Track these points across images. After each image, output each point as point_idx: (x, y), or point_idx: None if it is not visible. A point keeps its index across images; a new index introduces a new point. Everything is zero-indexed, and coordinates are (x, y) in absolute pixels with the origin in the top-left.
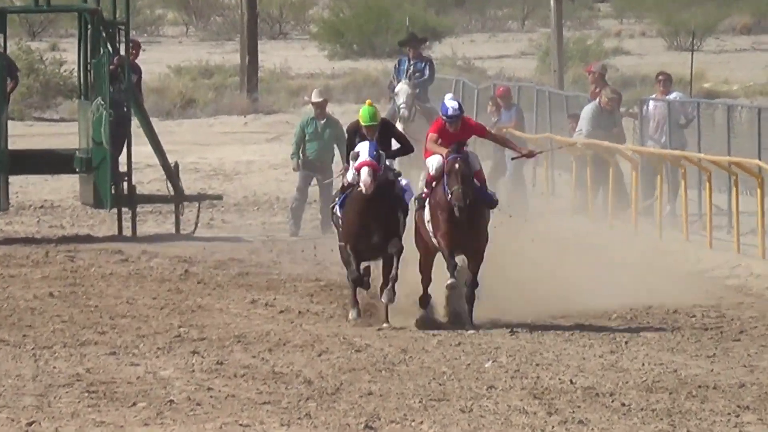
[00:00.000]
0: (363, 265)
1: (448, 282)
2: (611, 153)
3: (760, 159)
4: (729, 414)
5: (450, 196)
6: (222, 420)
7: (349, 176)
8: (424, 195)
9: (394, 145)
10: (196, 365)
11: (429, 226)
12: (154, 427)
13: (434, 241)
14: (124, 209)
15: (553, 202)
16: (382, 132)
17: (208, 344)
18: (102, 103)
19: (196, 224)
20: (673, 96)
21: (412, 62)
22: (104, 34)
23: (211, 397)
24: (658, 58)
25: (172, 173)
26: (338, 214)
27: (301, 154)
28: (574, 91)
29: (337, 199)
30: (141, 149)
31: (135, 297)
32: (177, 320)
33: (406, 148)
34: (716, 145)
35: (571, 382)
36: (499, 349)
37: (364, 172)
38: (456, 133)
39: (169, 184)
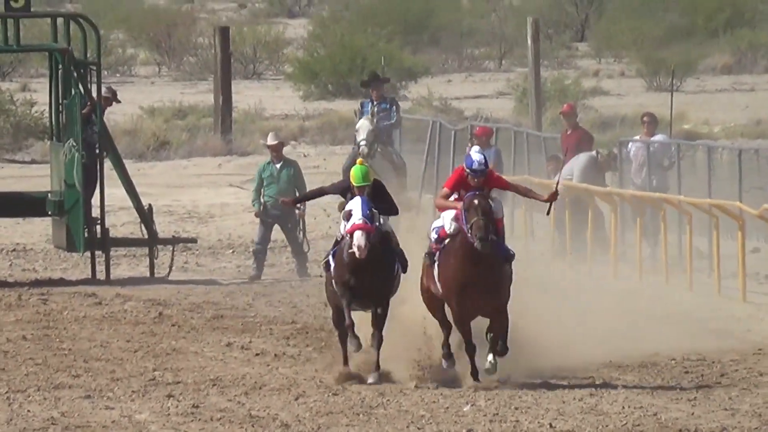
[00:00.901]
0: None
1: (445, 363)
2: (591, 196)
3: (740, 201)
4: None
5: (470, 232)
6: None
7: (342, 228)
8: (433, 249)
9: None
10: (171, 409)
11: (438, 286)
12: None
13: (444, 301)
14: (97, 252)
15: (533, 245)
16: (374, 192)
17: (184, 388)
18: (74, 144)
19: (171, 267)
20: (657, 138)
21: (375, 103)
22: (75, 75)
23: None
24: (637, 98)
25: (145, 216)
26: (331, 263)
27: (262, 200)
28: (552, 132)
29: (330, 250)
30: (114, 192)
31: (109, 340)
32: (152, 363)
33: (391, 210)
34: (697, 187)
35: (551, 425)
36: (477, 393)
37: (358, 236)
38: (476, 188)
39: (143, 227)
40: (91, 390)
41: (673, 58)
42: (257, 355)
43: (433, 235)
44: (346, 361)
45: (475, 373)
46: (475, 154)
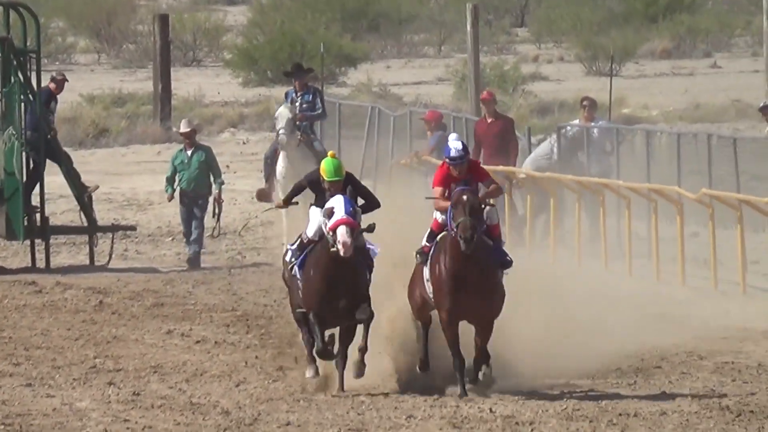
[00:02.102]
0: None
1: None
2: (533, 181)
3: (679, 186)
4: None
5: (455, 230)
6: None
7: (310, 232)
8: (425, 248)
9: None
10: (112, 396)
11: (428, 286)
12: None
13: (434, 304)
14: (37, 240)
15: None
16: (346, 187)
17: (124, 375)
18: (14, 132)
19: (110, 255)
20: (598, 123)
21: (299, 94)
22: (15, 63)
23: (127, 428)
24: (577, 83)
25: (85, 204)
26: (297, 275)
27: (175, 186)
28: None
29: (293, 258)
30: (54, 180)
31: (49, 328)
32: (92, 351)
33: (372, 204)
34: (636, 171)
35: (491, 410)
36: (417, 379)
37: (342, 231)
38: (462, 178)
39: (83, 215)
40: (32, 378)
41: (613, 43)
42: (198, 342)
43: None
44: (315, 373)
45: (463, 393)
46: (453, 141)
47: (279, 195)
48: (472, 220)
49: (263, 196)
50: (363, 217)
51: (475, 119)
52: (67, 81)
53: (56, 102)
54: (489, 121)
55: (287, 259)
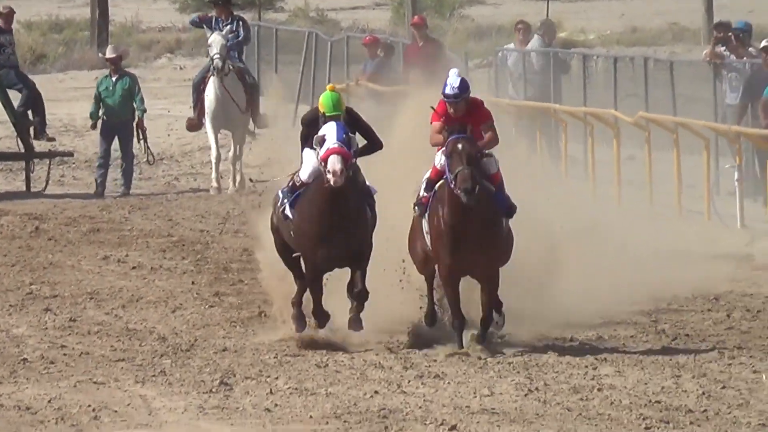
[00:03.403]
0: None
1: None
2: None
3: (616, 109)
4: (586, 366)
5: (453, 182)
6: (76, 378)
7: (304, 174)
8: (423, 199)
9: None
10: (49, 323)
11: (427, 238)
12: (7, 386)
13: (432, 255)
14: None
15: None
16: (348, 123)
17: (61, 301)
18: None
19: (47, 181)
20: (531, 45)
21: (222, 21)
22: None
23: (64, 354)
24: (514, 7)
25: (22, 130)
26: (289, 215)
27: (102, 115)
28: None
29: (284, 198)
30: None
31: None
32: (29, 277)
33: (374, 144)
34: (572, 95)
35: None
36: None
37: (333, 160)
38: (461, 118)
39: (19, 141)
40: None
41: None
42: (134, 268)
43: (423, 184)
44: (301, 328)
45: (461, 348)
46: (451, 77)
47: (208, 124)
48: (471, 169)
49: (192, 126)
50: (364, 160)
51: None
52: (15, 13)
53: (10, 34)
54: (420, 44)
55: (278, 202)
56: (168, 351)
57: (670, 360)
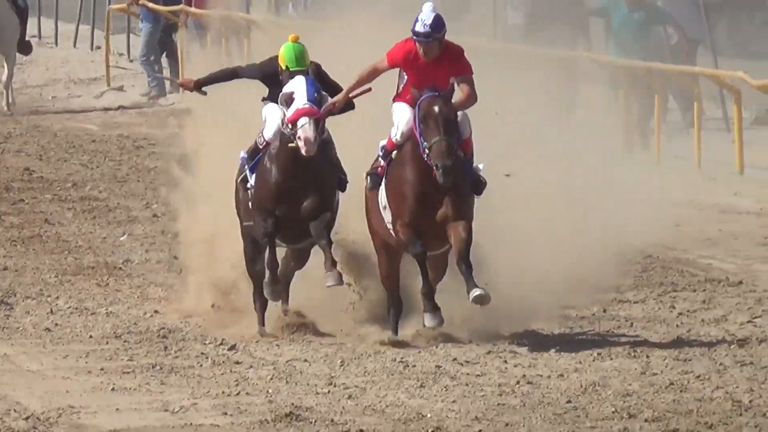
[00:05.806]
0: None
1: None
2: None
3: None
4: None
5: (427, 152)
6: None
7: (268, 133)
8: (380, 170)
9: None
10: None
11: (386, 215)
12: None
13: (393, 234)
14: None
15: None
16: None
17: None
18: None
19: None
20: None
21: None
22: None
23: None
24: None
25: None
26: (251, 182)
27: None
28: None
29: (245, 166)
30: None
31: None
32: None
33: (346, 104)
34: None
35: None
36: (135, 223)
37: (305, 124)
38: (431, 65)
39: None
40: None
41: None
42: None
43: (379, 151)
44: (262, 321)
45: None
46: (425, 11)
47: None
48: (449, 140)
49: None
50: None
51: None
52: None
53: None
54: None
55: (240, 170)
56: None
57: None
